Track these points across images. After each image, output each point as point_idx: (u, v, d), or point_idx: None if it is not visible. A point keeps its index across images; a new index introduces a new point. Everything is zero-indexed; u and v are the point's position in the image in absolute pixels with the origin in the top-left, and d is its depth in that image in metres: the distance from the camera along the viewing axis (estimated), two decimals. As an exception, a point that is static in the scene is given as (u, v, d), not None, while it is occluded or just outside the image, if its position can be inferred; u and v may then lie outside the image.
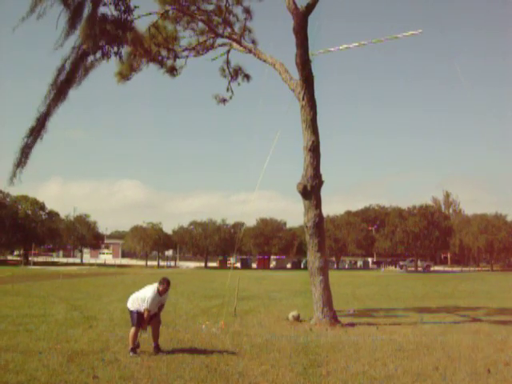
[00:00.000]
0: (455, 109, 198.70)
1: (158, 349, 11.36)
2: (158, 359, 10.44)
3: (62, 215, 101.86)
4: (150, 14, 18.54)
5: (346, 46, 18.67)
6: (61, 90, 11.06)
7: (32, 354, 10.71)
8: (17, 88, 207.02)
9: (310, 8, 16.95)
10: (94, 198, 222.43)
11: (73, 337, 13.02)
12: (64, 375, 9.00)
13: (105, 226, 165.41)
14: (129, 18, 12.75)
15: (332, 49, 18.72)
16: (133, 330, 11.21)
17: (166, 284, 11.38)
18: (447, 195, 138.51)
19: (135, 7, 12.71)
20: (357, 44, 18.70)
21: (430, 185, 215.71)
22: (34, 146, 11.20)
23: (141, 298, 11.27)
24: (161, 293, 11.33)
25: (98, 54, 12.78)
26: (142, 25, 17.41)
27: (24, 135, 10.97)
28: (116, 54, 13.34)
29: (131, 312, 11.40)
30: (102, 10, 12.29)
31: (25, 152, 11.00)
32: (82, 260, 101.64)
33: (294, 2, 17.28)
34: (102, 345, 11.99)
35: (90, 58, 12.52)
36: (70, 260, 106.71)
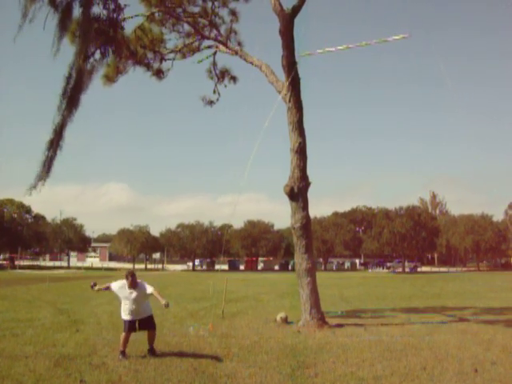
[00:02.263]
0: (441, 110, 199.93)
1: (152, 352, 11.35)
2: (145, 362, 10.39)
3: (49, 218, 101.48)
4: (136, 16, 18.47)
5: (333, 48, 18.67)
6: (72, 97, 11.00)
7: (18, 359, 10.63)
8: (17, 97, 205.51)
9: (296, 10, 16.97)
10: (81, 201, 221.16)
11: (60, 341, 12.94)
12: (51, 380, 8.94)
13: (92, 229, 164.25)
14: (119, 17, 12.70)
15: (319, 51, 18.70)
16: (123, 334, 11.25)
17: (129, 276, 11.28)
18: (434, 196, 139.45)
19: (125, 5, 12.66)
20: (344, 47, 18.71)
21: (417, 186, 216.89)
22: (55, 157, 11.14)
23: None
24: (130, 286, 11.26)
25: (97, 55, 12.76)
26: (127, 27, 17.30)
27: (44, 148, 10.93)
28: (114, 52, 13.32)
29: (123, 320, 11.49)
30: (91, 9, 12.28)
31: (47, 165, 10.94)
32: (68, 263, 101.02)
33: (280, 4, 17.29)
34: (89, 349, 11.91)
35: (91, 61, 12.48)
36: (57, 264, 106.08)
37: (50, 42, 10.71)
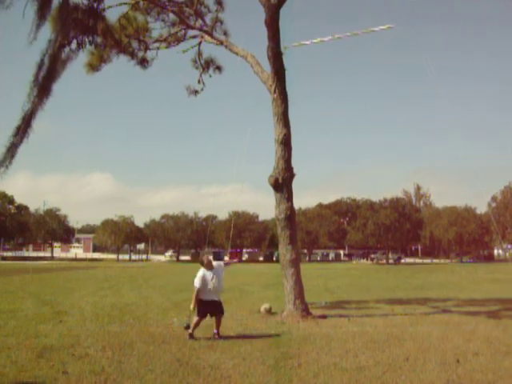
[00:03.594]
0: (426, 102, 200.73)
1: (217, 335, 12.31)
2: (128, 353, 10.35)
3: (32, 209, 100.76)
4: (121, 4, 18.31)
5: (319, 39, 18.65)
6: (44, 86, 10.81)
7: (0, 350, 10.55)
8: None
9: (282, 0, 16.89)
10: (65, 191, 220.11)
11: (42, 332, 12.86)
12: (33, 371, 8.87)
13: (76, 220, 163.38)
14: (100, 7, 12.55)
15: (306, 42, 18.70)
16: (194, 319, 12.29)
17: (205, 258, 12.55)
18: (418, 188, 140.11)
19: None
20: (331, 37, 18.70)
21: (401, 177, 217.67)
22: (21, 145, 11.00)
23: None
24: (206, 268, 12.36)
25: (74, 45, 12.59)
26: (112, 16, 17.14)
27: (10, 134, 10.78)
28: (91, 43, 13.14)
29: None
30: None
31: (11, 151, 10.78)
32: (52, 254, 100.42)
33: (266, -6, 17.19)
34: (72, 340, 11.84)
35: (67, 50, 12.32)
36: (41, 254, 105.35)
37: (26, 29, 10.53)
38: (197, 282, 12.21)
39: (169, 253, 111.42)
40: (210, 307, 12.31)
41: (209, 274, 12.31)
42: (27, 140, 10.86)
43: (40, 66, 10.80)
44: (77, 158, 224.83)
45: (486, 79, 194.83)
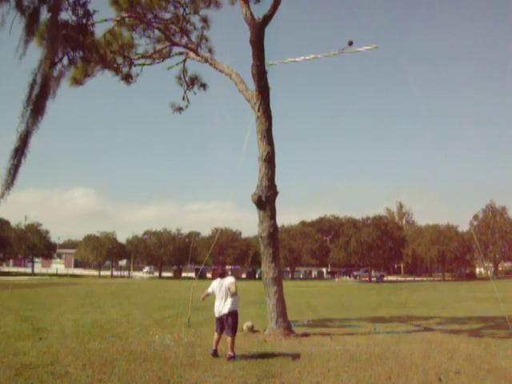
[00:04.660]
0: (407, 120, 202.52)
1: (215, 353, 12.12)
2: (109, 372, 10.23)
3: (13, 224, 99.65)
4: (106, 20, 18.32)
5: (303, 57, 18.77)
6: (37, 105, 10.78)
7: (-22, 368, 10.38)
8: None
9: (267, 19, 17.02)
10: (47, 206, 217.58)
11: (21, 349, 12.67)
12: (11, 389, 8.74)
13: (57, 235, 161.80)
14: (89, 22, 12.56)
15: (290, 59, 18.81)
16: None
17: (216, 269, 12.88)
18: (400, 206, 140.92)
19: (94, 11, 12.53)
20: (314, 56, 18.82)
21: (384, 195, 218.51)
22: (20, 166, 10.94)
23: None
24: (220, 276, 12.56)
25: (65, 61, 12.58)
26: (97, 31, 17.16)
27: (9, 157, 10.73)
28: (82, 59, 13.15)
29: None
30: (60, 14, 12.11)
31: (12, 174, 10.72)
32: (33, 270, 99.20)
33: (251, 13, 17.33)
34: (51, 357, 11.68)
35: (58, 67, 12.30)
36: (21, 270, 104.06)
37: (14, 45, 10.51)
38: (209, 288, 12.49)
39: (145, 269, 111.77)
40: (221, 322, 12.24)
41: (222, 284, 12.42)
42: (25, 160, 10.84)
43: (32, 86, 10.79)
44: (59, 172, 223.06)
45: (469, 96, 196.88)
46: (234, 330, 12.05)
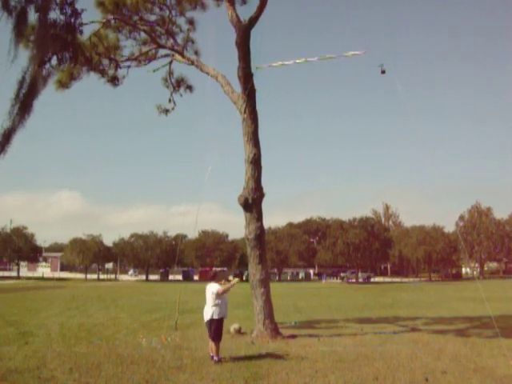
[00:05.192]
0: (394, 120, 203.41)
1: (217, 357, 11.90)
2: (96, 375, 10.19)
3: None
4: (92, 22, 18.26)
5: (293, 61, 18.76)
6: (25, 103, 10.72)
7: (-37, 373, 10.30)
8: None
9: (252, 21, 17.06)
10: (32, 209, 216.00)
11: (7, 354, 12.58)
12: (-3, 394, 8.68)
13: (43, 239, 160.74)
14: (77, 22, 12.50)
15: (279, 63, 18.81)
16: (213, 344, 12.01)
17: (207, 271, 12.40)
18: (387, 207, 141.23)
19: (82, 10, 12.47)
20: (303, 60, 18.84)
21: (370, 197, 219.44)
22: None
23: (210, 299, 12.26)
24: (211, 279, 12.67)
25: (54, 61, 12.52)
26: (83, 33, 17.10)
27: None
28: (71, 58, 13.09)
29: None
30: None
31: None
32: (18, 273, 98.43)
33: (237, 15, 17.36)
34: (38, 362, 11.61)
35: (47, 67, 12.24)
36: (6, 274, 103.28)
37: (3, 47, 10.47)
38: (219, 289, 12.23)
39: (130, 271, 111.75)
40: (220, 327, 12.17)
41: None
42: (3, 156, 10.74)
43: (21, 84, 10.72)
44: (44, 175, 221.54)
45: (455, 96, 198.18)
46: (215, 335, 11.98)
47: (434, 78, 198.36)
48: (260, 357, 12.53)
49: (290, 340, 15.42)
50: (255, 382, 9.76)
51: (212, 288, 12.18)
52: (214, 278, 12.54)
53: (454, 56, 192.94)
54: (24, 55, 11.15)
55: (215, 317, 12.03)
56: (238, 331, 16.51)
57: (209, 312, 12.12)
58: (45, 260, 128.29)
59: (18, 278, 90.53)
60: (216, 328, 11.99)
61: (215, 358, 11.74)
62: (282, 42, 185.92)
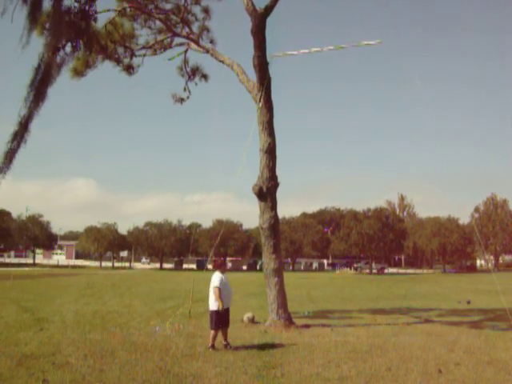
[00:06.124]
0: (410, 113, 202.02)
1: (228, 345, 12.09)
2: (110, 362, 10.26)
3: (14, 215, 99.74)
4: (108, 10, 18.26)
5: (307, 50, 18.65)
6: (39, 90, 10.74)
7: (-21, 358, 10.41)
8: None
9: (268, 10, 16.94)
10: (47, 197, 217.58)
11: (23, 340, 12.72)
12: (12, 380, 8.77)
13: (58, 227, 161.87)
14: (91, 9, 12.48)
15: (294, 52, 18.71)
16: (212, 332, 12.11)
17: (216, 261, 12.93)
18: (402, 198, 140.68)
19: None
20: (319, 49, 18.72)
21: (385, 187, 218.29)
22: (18, 150, 10.88)
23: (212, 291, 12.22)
24: (221, 271, 12.39)
25: (68, 48, 12.53)
26: (98, 22, 17.08)
27: (7, 140, 10.67)
28: (86, 46, 13.09)
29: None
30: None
31: (9, 157, 10.67)
32: (34, 261, 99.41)
33: (253, 4, 17.24)
34: (53, 348, 11.73)
35: (61, 54, 12.25)
36: (22, 261, 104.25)
37: (17, 32, 10.48)
38: (217, 282, 12.11)
39: (143, 259, 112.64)
40: (223, 317, 12.13)
41: (225, 278, 12.33)
42: (25, 145, 10.79)
43: (37, 70, 10.74)
44: (59, 163, 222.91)
45: (472, 87, 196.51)
46: (211, 324, 12.17)
47: (450, 69, 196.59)
48: (273, 346, 12.54)
49: (304, 330, 15.42)
50: (268, 371, 9.76)
51: (214, 279, 12.23)
52: (219, 267, 12.46)
53: (467, 48, 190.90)
54: (39, 42, 11.17)
55: (213, 307, 12.13)
56: (252, 320, 16.54)
57: (210, 302, 12.27)
58: (60, 248, 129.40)
59: (34, 265, 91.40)
60: (211, 318, 12.15)
61: (209, 345, 11.94)
62: (298, 31, 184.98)
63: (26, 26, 10.68)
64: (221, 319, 12.02)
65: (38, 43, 11.05)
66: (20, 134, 10.35)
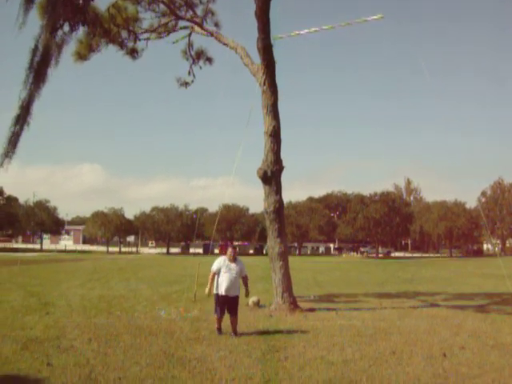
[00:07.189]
0: (416, 97, 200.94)
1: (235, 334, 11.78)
2: (114, 345, 10.27)
3: (21, 200, 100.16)
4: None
5: (312, 29, 18.49)
6: (39, 72, 10.65)
7: (-15, 342, 10.45)
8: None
9: (272, -8, 16.78)
10: (53, 182, 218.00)
11: (28, 324, 12.75)
12: (17, 363, 8.78)
13: (65, 212, 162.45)
14: None
15: (298, 32, 18.54)
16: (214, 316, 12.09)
17: (227, 248, 12.52)
18: (408, 182, 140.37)
19: None
20: (323, 27, 18.54)
21: (392, 171, 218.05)
22: (22, 134, 10.83)
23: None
24: (231, 260, 12.11)
25: (66, 28, 12.40)
26: (101, 5, 16.95)
27: (10, 124, 10.60)
28: (83, 24, 12.98)
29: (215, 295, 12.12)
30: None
31: (13, 141, 10.62)
32: (41, 246, 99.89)
33: (257, -15, 17.07)
34: (58, 332, 11.75)
35: (60, 34, 12.12)
36: (30, 246, 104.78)
37: (14, 13, 10.38)
38: (213, 266, 12.03)
39: (149, 244, 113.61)
40: (224, 304, 11.91)
41: (230, 263, 12.08)
42: (28, 128, 10.72)
43: (34, 52, 10.65)
44: (65, 148, 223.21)
45: (478, 74, 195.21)
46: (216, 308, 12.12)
47: (456, 52, 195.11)
48: (278, 330, 12.55)
49: (309, 313, 15.42)
50: (272, 355, 9.76)
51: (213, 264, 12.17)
52: (222, 251, 12.46)
53: (474, 34, 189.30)
54: (34, 22, 11.07)
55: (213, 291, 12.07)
56: (257, 304, 16.55)
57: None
58: (67, 233, 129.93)
59: (41, 250, 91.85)
60: (215, 301, 12.09)
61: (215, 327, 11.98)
62: (303, 12, 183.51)
63: (22, 5, 10.57)
64: (221, 305, 11.85)
65: (35, 24, 10.95)
66: (22, 117, 10.30)
